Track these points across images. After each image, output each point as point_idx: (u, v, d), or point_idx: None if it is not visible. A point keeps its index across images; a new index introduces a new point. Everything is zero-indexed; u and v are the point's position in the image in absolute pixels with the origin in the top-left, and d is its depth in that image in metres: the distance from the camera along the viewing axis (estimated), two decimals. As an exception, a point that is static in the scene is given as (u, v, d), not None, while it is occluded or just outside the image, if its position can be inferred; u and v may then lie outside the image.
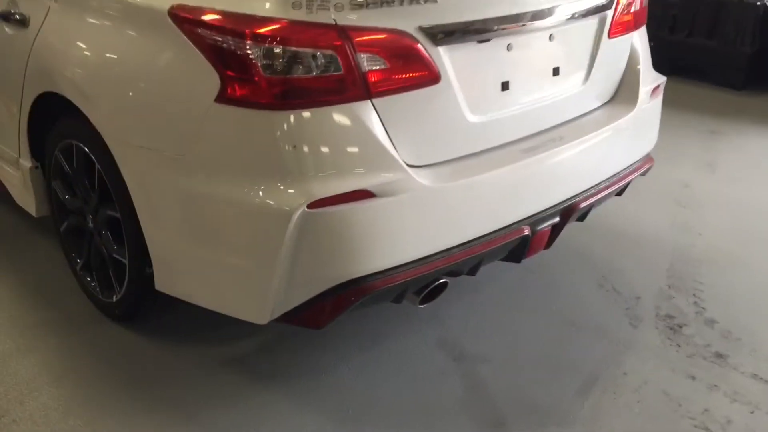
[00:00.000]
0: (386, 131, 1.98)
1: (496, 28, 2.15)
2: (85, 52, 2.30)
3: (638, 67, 2.71)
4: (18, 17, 2.55)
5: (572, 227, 3.25)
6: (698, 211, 3.69)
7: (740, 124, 4.93)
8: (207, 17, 1.91)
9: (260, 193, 1.92)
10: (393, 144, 2.00)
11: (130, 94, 2.15)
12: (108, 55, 2.22)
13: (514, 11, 2.18)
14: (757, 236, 3.46)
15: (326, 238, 1.93)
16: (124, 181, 2.23)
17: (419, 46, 1.99)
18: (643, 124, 2.73)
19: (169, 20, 1.98)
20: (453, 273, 2.23)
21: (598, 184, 2.54)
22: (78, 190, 2.58)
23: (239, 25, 1.86)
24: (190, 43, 1.94)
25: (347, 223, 1.93)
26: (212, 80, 1.91)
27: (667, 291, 3.00)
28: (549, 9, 2.27)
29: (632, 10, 2.65)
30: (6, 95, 2.72)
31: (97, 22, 2.26)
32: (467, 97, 2.14)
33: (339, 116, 1.92)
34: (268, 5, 1.87)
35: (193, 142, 2.02)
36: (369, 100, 1.94)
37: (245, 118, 1.90)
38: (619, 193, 2.81)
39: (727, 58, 5.47)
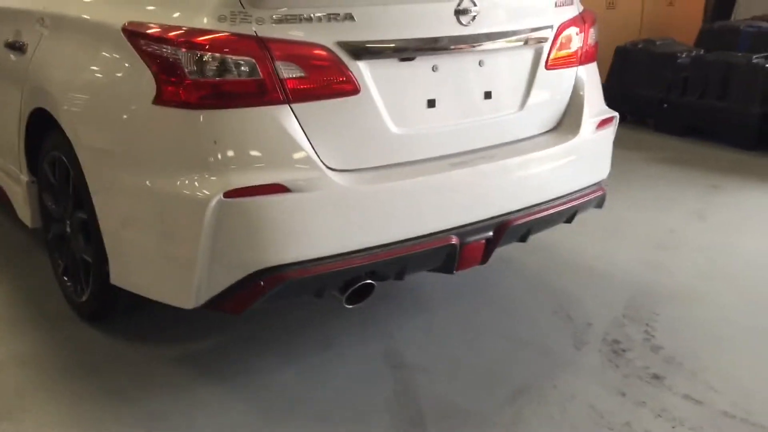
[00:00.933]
0: (305, 134, 2.19)
1: (417, 48, 2.36)
2: (60, 68, 2.62)
3: (582, 99, 2.86)
4: (20, 45, 2.90)
5: (539, 259, 3.37)
6: (675, 253, 3.74)
7: (743, 181, 4.95)
8: (148, 30, 2.19)
9: (185, 182, 2.14)
10: (312, 146, 2.20)
11: (90, 101, 2.44)
12: (75, 69, 2.53)
13: (437, 34, 2.38)
14: (726, 276, 3.48)
15: (242, 227, 2.12)
16: (87, 182, 2.49)
17: (336, 58, 2.21)
18: (587, 153, 2.86)
19: (122, 35, 2.27)
20: (377, 275, 2.37)
21: (535, 205, 2.66)
22: (60, 198, 2.86)
23: (172, 35, 2.13)
24: (135, 52, 2.21)
25: (261, 213, 2.12)
26: (151, 85, 2.17)
27: (620, 320, 3.05)
28: (476, 36, 2.47)
29: (575, 46, 2.83)
30: (10, 115, 3.06)
31: (72, 42, 2.58)
32: (390, 110, 2.34)
33: (259, 117, 2.14)
34: (199, 19, 2.13)
35: (135, 141, 2.27)
36: (288, 105, 2.16)
37: (176, 117, 2.14)
38: (568, 220, 2.92)
39: (737, 119, 5.53)
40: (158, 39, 2.15)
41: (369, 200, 2.27)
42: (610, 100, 6.15)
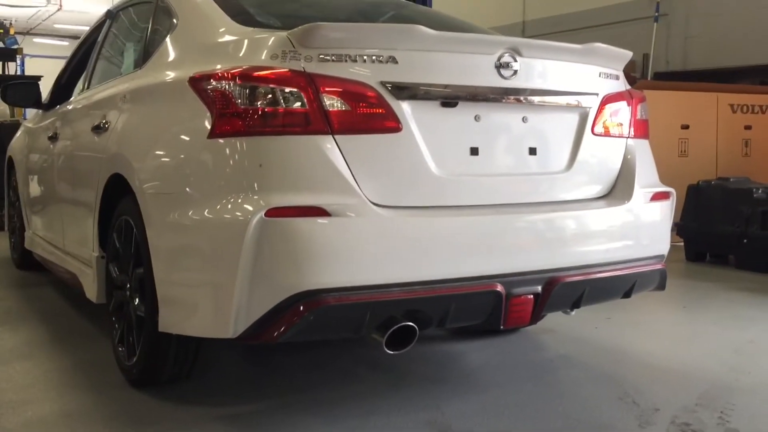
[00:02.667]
0: (347, 164, 2.27)
1: (458, 95, 2.46)
2: (134, 131, 2.84)
3: (633, 170, 2.85)
4: (104, 125, 3.18)
5: (607, 356, 3.18)
6: (754, 357, 3.48)
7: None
8: (208, 74, 2.39)
9: (229, 206, 2.23)
10: (354, 176, 2.27)
11: (154, 149, 2.62)
12: (147, 129, 2.74)
13: (477, 84, 2.49)
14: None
15: (281, 247, 2.16)
16: (146, 232, 2.61)
17: (379, 96, 2.33)
18: (641, 221, 2.81)
19: (187, 85, 2.48)
20: (419, 317, 2.32)
21: (586, 266, 2.60)
22: (123, 262, 2.98)
23: (228, 72, 2.32)
24: (197, 96, 2.40)
25: (301, 234, 2.16)
26: (208, 122, 2.33)
27: (692, 407, 2.82)
28: (518, 90, 2.56)
29: (621, 118, 2.88)
30: (89, 193, 3.27)
31: (145, 106, 2.82)
32: (432, 152, 2.41)
33: (303, 145, 2.25)
34: (255, 58, 2.32)
35: (190, 178, 2.40)
36: (331, 135, 2.27)
37: (227, 146, 2.28)
38: (626, 294, 2.81)
39: (823, 252, 5.29)
40: (217, 78, 2.34)
41: (409, 232, 2.28)
42: (687, 238, 6.03)
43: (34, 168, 4.65)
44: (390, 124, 2.34)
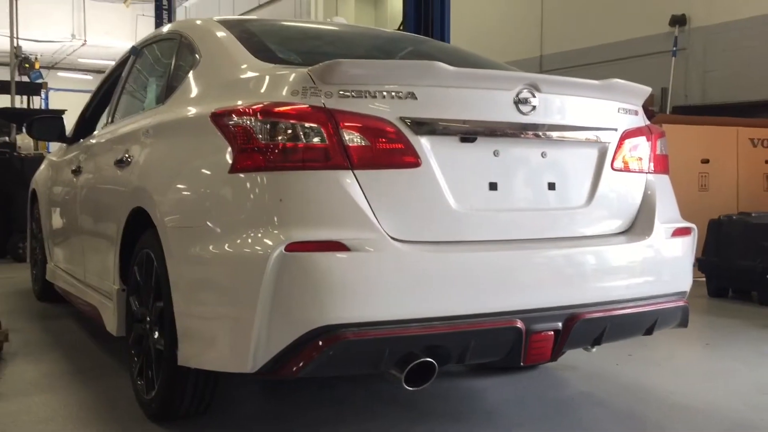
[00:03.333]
0: (366, 199, 2.28)
1: (477, 131, 2.47)
2: (157, 167, 2.88)
3: (654, 205, 2.84)
4: (127, 158, 3.22)
5: (631, 395, 3.15)
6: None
7: None
8: (230, 109, 2.42)
9: (249, 240, 2.24)
10: (373, 211, 2.28)
11: (177, 186, 2.64)
12: (168, 163, 2.78)
13: (496, 119, 2.50)
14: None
15: (301, 281, 2.17)
16: (167, 265, 2.63)
17: (398, 131, 2.35)
18: (662, 258, 2.78)
19: (210, 122, 2.51)
20: (438, 353, 2.31)
21: (607, 302, 2.58)
22: (143, 295, 3.00)
23: (250, 108, 2.35)
24: (218, 132, 2.44)
25: (321, 269, 2.17)
26: (228, 156, 2.36)
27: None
28: (536, 125, 2.57)
29: (641, 153, 2.87)
30: (110, 226, 3.30)
31: (167, 141, 2.86)
32: (451, 187, 2.41)
33: (323, 180, 2.27)
34: (276, 95, 2.36)
35: (211, 212, 2.43)
36: (351, 170, 2.29)
37: (247, 180, 2.31)
38: (648, 331, 2.79)
39: None
40: (238, 113, 2.38)
41: (428, 267, 2.28)
42: (709, 274, 5.94)
43: (56, 200, 4.71)
44: (409, 159, 2.36)
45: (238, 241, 2.27)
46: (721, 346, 4.36)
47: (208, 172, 2.49)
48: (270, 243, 2.19)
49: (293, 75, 2.37)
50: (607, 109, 2.79)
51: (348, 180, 2.28)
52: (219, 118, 2.46)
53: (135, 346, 3.08)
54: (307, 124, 2.28)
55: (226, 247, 2.31)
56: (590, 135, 2.72)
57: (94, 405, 3.14)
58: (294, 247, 2.17)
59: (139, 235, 3.02)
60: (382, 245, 2.23)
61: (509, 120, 2.52)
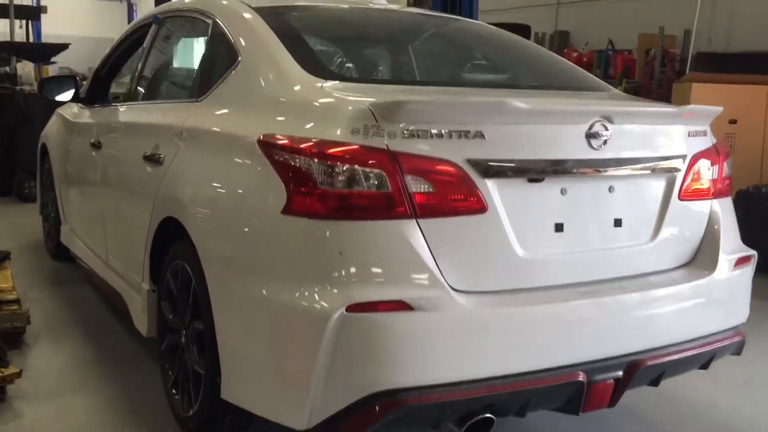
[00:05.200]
0: (430, 250, 2.14)
1: (547, 170, 2.31)
2: (193, 179, 2.71)
3: (718, 234, 2.71)
4: (158, 157, 3.04)
5: (667, 411, 3.08)
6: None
7: None
8: (283, 141, 2.24)
9: (306, 294, 2.10)
10: (437, 263, 2.14)
11: (220, 209, 2.49)
12: (208, 179, 2.60)
13: (567, 157, 2.33)
14: None
15: (361, 344, 2.05)
16: (208, 291, 2.50)
17: (466, 176, 2.18)
18: (724, 292, 2.67)
19: (257, 148, 2.33)
20: (498, 409, 2.22)
21: (669, 345, 2.48)
22: (178, 307, 2.88)
23: (306, 146, 2.17)
24: (269, 163, 2.26)
25: (383, 330, 2.04)
26: (281, 195, 2.19)
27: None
28: (606, 161, 2.40)
29: (708, 177, 2.71)
30: (140, 222, 3.16)
31: (206, 153, 2.68)
32: (517, 232, 2.27)
33: (386, 231, 2.11)
34: (332, 131, 2.17)
35: (262, 250, 2.28)
36: (414, 220, 2.13)
37: (304, 226, 2.15)
38: (704, 365, 2.69)
39: None
40: (293, 150, 2.19)
41: (492, 326, 2.16)
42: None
43: (73, 170, 4.54)
44: (476, 205, 2.20)
45: (295, 291, 2.13)
46: (754, 341, 4.27)
47: (258, 206, 2.32)
48: (331, 301, 2.05)
49: (353, 110, 2.17)
50: (677, 135, 2.61)
51: (412, 231, 2.12)
52: (269, 148, 2.28)
53: (168, 355, 2.99)
54: (369, 170, 2.11)
55: (280, 295, 2.18)
56: (660, 164, 2.56)
57: (128, 408, 3.07)
58: (355, 308, 2.03)
59: (172, 240, 2.88)
60: (446, 304, 2.10)
61: (580, 156, 2.35)
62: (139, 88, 3.77)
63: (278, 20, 2.90)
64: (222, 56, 2.92)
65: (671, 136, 2.60)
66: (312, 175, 2.13)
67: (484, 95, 2.60)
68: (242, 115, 2.59)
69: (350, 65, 2.86)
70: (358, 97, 2.25)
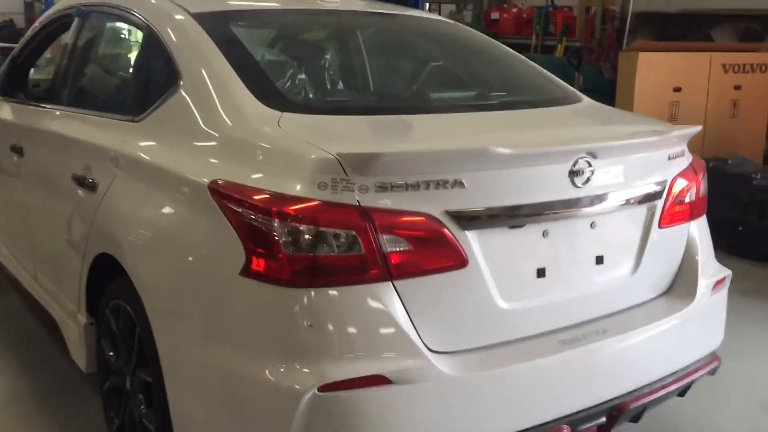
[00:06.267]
0: (408, 314, 1.94)
1: (529, 214, 2.12)
2: (135, 219, 2.42)
3: (696, 258, 2.60)
4: (90, 182, 2.73)
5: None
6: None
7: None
8: (239, 192, 1.98)
9: (273, 370, 1.89)
10: (415, 328, 1.95)
11: (167, 260, 2.22)
12: (152, 223, 2.33)
13: (550, 198, 2.15)
14: None
15: (337, 425, 1.85)
16: (156, 346, 2.25)
17: (445, 230, 1.98)
18: (704, 319, 2.57)
19: (208, 194, 2.07)
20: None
21: (651, 383, 2.38)
22: (121, 350, 2.62)
23: (267, 203, 1.92)
24: (223, 215, 2.00)
25: (360, 409, 1.86)
26: (238, 253, 1.95)
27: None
28: (588, 197, 2.23)
29: (687, 200, 2.58)
30: (72, 252, 2.86)
31: (148, 191, 2.39)
32: (498, 283, 2.09)
33: (359, 297, 1.90)
34: (296, 185, 1.92)
35: (217, 312, 2.04)
36: (390, 282, 1.92)
37: (266, 293, 1.91)
38: (681, 393, 2.61)
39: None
40: (250, 205, 1.94)
41: (476, 391, 2.00)
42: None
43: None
44: (456, 260, 2.00)
45: (259, 366, 1.91)
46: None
47: (212, 262, 2.07)
48: (301, 381, 1.84)
49: (319, 161, 1.92)
50: (658, 161, 2.46)
51: (388, 294, 1.92)
52: (222, 198, 2.02)
53: (112, 398, 2.74)
54: (339, 230, 1.88)
55: (242, 367, 1.95)
56: (642, 192, 2.40)
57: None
58: (329, 387, 1.83)
59: (112, 275, 2.61)
60: (426, 373, 1.92)
61: (563, 197, 2.17)
62: (64, 89, 3.40)
63: (219, 28, 2.60)
64: (160, 71, 2.61)
65: (653, 162, 2.44)
66: (273, 235, 1.89)
67: (457, 129, 2.37)
68: (188, 150, 2.30)
69: (304, 86, 2.58)
70: (323, 142, 2.00)
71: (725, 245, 5.83)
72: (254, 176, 2.01)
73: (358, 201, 1.90)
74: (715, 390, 3.51)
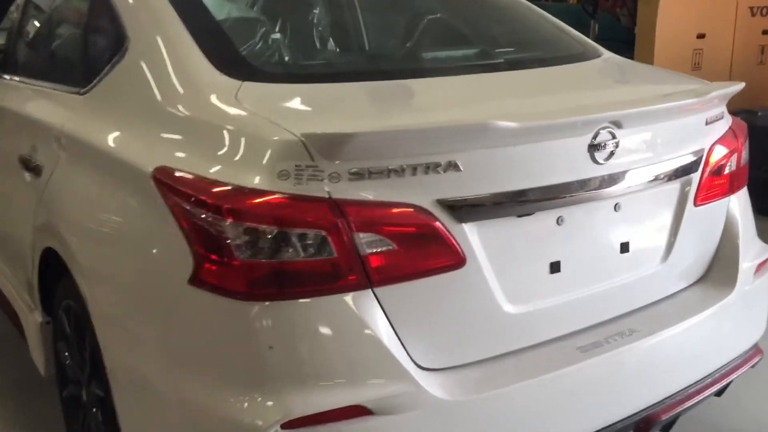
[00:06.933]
0: (392, 328, 1.59)
1: (540, 199, 1.75)
2: (76, 211, 2.07)
3: (737, 238, 2.23)
4: (35, 165, 2.38)
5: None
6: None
7: None
8: (184, 186, 1.62)
9: (230, 401, 1.55)
10: (402, 343, 1.61)
11: (111, 261, 1.88)
12: (95, 216, 1.98)
13: (565, 179, 1.77)
14: None
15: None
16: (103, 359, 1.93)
17: (437, 223, 1.61)
18: (745, 309, 2.21)
19: (152, 183, 1.71)
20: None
21: (685, 388, 2.03)
22: (75, 356, 2.30)
23: (215, 197, 1.56)
24: (168, 210, 1.65)
25: (334, 449, 1.52)
26: (186, 258, 1.60)
27: None
28: (613, 176, 1.86)
29: (726, 170, 2.20)
30: (22, 243, 2.53)
31: (91, 178, 2.03)
32: (504, 284, 1.73)
33: (331, 309, 1.55)
34: (251, 175, 1.55)
35: (166, 327, 1.70)
36: (370, 290, 1.57)
37: (219, 307, 1.56)
38: (719, 393, 2.26)
39: None
40: (198, 200, 1.58)
41: (475, 418, 1.65)
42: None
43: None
44: (451, 259, 1.64)
45: (213, 394, 1.57)
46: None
47: (157, 266, 1.72)
48: (262, 416, 1.50)
49: (279, 143, 1.55)
50: (694, 127, 2.07)
51: (367, 305, 1.57)
52: (168, 190, 1.66)
53: (71, 407, 2.43)
54: (304, 230, 1.52)
55: (195, 393, 1.62)
56: (675, 166, 2.02)
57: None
58: (296, 423, 1.49)
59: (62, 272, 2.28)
60: (417, 399, 1.58)
61: (581, 177, 1.80)
62: (15, 57, 3.02)
63: None
64: (107, 34, 2.23)
65: (687, 130, 2.06)
66: (224, 237, 1.53)
67: (453, 97, 1.97)
68: (133, 129, 1.93)
69: (276, 48, 2.18)
70: (287, 119, 1.62)
71: (755, 206, 5.43)
72: (204, 163, 1.64)
73: (328, 192, 1.53)
74: (753, 381, 3.16)
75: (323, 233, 1.52)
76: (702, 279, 2.20)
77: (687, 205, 2.08)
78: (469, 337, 1.72)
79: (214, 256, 1.55)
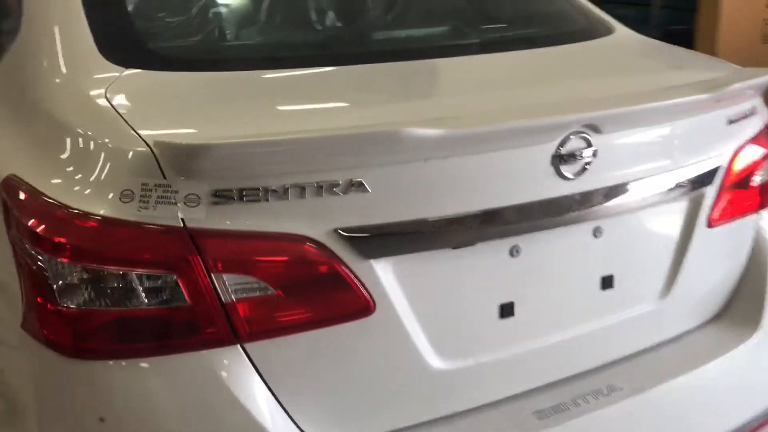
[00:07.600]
0: (272, 392, 1.24)
1: (483, 226, 1.35)
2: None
3: (765, 266, 1.78)
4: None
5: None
6: None
7: None
8: (16, 202, 1.29)
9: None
10: (285, 411, 1.25)
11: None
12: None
13: (520, 200, 1.37)
14: None
15: None
16: None
17: (332, 259, 1.24)
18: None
19: (4, 195, 1.38)
20: None
21: None
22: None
23: (41, 223, 1.22)
24: (7, 237, 1.32)
25: None
26: (18, 299, 1.27)
27: None
28: (588, 195, 1.44)
29: (757, 181, 1.74)
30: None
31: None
32: (430, 333, 1.35)
33: (181, 371, 1.20)
34: (87, 197, 1.20)
35: (3, 374, 1.39)
36: (238, 345, 1.22)
37: (46, 362, 1.23)
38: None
39: None
40: (23, 226, 1.24)
41: None
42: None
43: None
44: (352, 305, 1.27)
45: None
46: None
47: None
48: None
49: (124, 155, 1.19)
50: (710, 127, 1.62)
51: (233, 364, 1.21)
52: (7, 204, 1.33)
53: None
54: (148, 271, 1.17)
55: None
56: (680, 179, 1.58)
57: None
58: None
59: None
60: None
61: (541, 196, 1.39)
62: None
63: None
64: (10, 10, 1.91)
65: (700, 132, 1.61)
66: (49, 277, 1.20)
67: (380, 92, 1.55)
68: (7, 126, 1.60)
69: (189, 21, 1.80)
70: (149, 121, 1.26)
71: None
72: (46, 176, 1.30)
73: (182, 219, 1.18)
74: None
75: (173, 275, 1.17)
76: (717, 317, 1.76)
77: (697, 226, 1.64)
78: (384, 400, 1.35)
79: (39, 299, 1.21)
